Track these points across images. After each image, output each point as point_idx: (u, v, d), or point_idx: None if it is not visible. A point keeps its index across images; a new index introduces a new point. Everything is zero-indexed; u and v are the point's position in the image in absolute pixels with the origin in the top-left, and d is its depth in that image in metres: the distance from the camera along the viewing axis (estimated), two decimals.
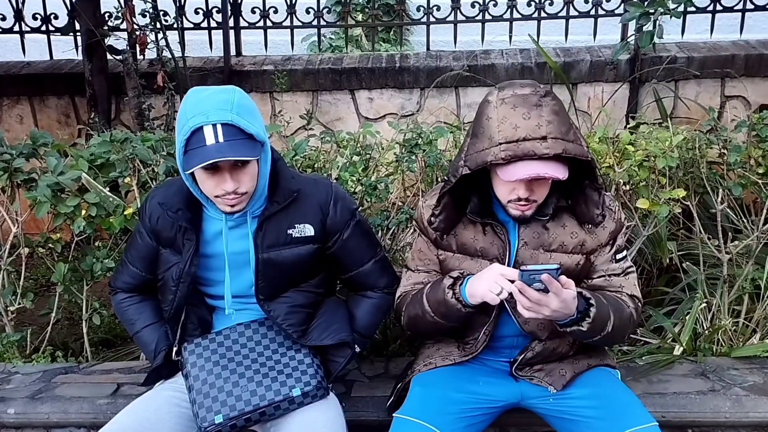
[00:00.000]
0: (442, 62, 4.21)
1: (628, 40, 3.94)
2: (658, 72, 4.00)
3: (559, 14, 4.27)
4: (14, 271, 2.74)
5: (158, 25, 3.93)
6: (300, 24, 4.41)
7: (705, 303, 2.68)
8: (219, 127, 1.76)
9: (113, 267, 2.56)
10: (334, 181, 2.52)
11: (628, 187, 2.76)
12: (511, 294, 1.71)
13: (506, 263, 1.89)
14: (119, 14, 3.99)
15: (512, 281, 1.71)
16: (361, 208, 2.48)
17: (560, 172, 1.72)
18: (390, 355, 2.64)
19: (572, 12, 4.26)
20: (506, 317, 1.94)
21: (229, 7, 4.28)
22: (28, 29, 4.39)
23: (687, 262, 2.93)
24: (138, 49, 3.92)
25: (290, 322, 2.02)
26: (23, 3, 4.34)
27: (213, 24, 4.38)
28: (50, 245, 2.72)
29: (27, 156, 2.62)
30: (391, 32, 5.00)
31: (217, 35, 4.35)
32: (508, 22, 4.29)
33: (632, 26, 3.60)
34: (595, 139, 2.73)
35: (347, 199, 2.09)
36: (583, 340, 1.90)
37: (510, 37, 4.32)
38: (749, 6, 4.18)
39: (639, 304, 1.96)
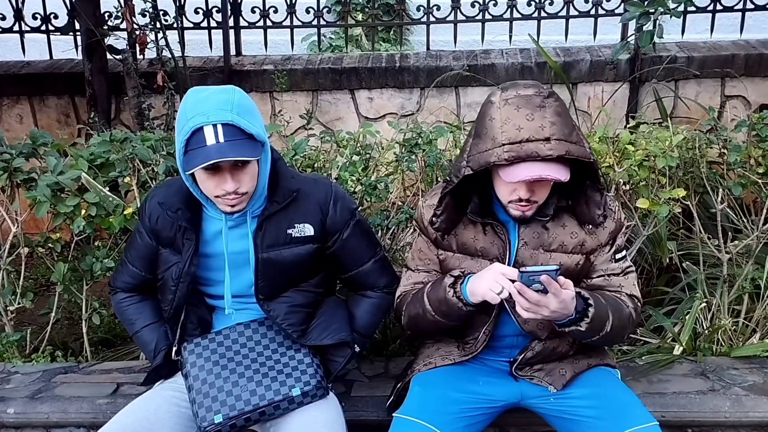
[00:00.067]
0: (442, 62, 4.21)
1: (628, 39, 3.93)
2: (658, 72, 4.00)
3: (559, 14, 4.27)
4: (14, 270, 2.74)
5: (158, 25, 3.93)
6: (300, 24, 4.41)
7: (705, 303, 2.68)
8: (219, 127, 1.76)
9: (113, 267, 2.56)
10: (334, 180, 2.52)
11: (627, 187, 2.76)
12: (511, 294, 1.72)
13: (506, 263, 1.89)
14: (119, 14, 4.00)
15: (513, 281, 1.71)
16: (360, 207, 2.48)
17: (562, 174, 1.72)
18: (390, 355, 2.64)
19: (572, 12, 4.26)
20: (506, 317, 1.94)
21: (228, 7, 4.28)
22: (28, 29, 4.39)
23: (687, 262, 2.93)
24: (138, 48, 3.92)
25: (290, 322, 2.02)
26: (23, 2, 4.33)
27: (213, 24, 4.38)
28: (50, 245, 2.72)
29: (27, 156, 2.62)
30: (391, 32, 4.99)
31: (217, 35, 4.35)
32: (508, 22, 4.29)
33: (632, 26, 3.60)
34: (595, 138, 2.73)
35: (347, 198, 2.09)
36: (582, 340, 1.90)
37: (510, 36, 4.31)
38: (749, 6, 4.17)
39: (638, 303, 1.96)
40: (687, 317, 2.63)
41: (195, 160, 1.76)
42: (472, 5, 4.29)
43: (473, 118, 1.84)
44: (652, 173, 2.67)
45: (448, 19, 4.31)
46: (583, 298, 1.79)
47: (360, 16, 4.96)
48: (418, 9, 4.60)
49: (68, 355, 2.84)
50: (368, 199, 2.66)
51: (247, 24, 4.41)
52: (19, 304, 2.71)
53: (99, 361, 2.76)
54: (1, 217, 2.69)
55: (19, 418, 2.34)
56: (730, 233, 2.89)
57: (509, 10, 4.27)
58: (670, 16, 3.17)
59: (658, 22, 3.16)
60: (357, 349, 2.08)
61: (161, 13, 4.00)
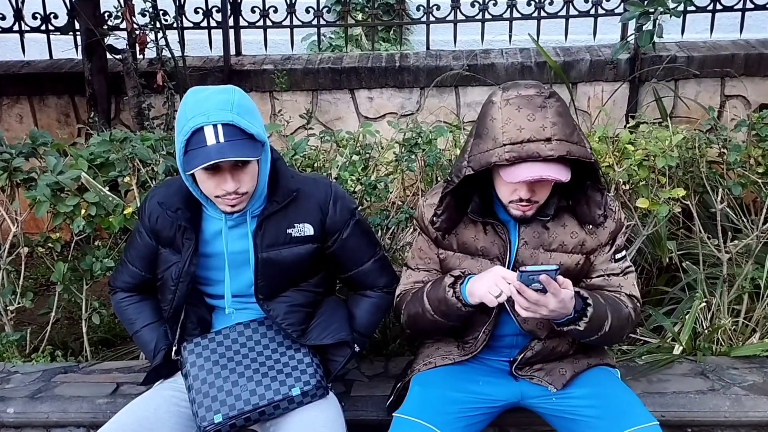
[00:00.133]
0: (442, 62, 4.21)
1: (628, 39, 3.93)
2: (658, 71, 4.00)
3: (559, 14, 4.27)
4: (14, 270, 2.74)
5: (158, 25, 3.93)
6: (300, 23, 4.40)
7: (705, 302, 2.68)
8: (219, 127, 1.76)
9: (113, 266, 2.56)
10: (334, 180, 2.52)
11: (627, 187, 2.76)
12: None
13: (506, 262, 1.89)
14: (119, 14, 3.99)
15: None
16: (360, 207, 2.48)
17: (563, 174, 1.72)
18: (389, 355, 2.64)
19: (572, 11, 4.26)
20: (506, 316, 1.94)
21: (228, 7, 4.28)
22: (28, 29, 4.39)
23: (687, 262, 2.93)
24: (138, 48, 3.92)
25: (290, 322, 2.02)
26: (23, 2, 4.33)
27: (213, 23, 4.38)
28: (50, 245, 2.72)
29: (26, 155, 2.62)
30: (391, 32, 4.99)
31: (217, 35, 4.35)
32: (508, 22, 4.29)
33: (632, 25, 3.60)
34: (595, 138, 2.73)
35: (347, 198, 2.09)
36: (580, 340, 1.90)
37: (510, 36, 4.31)
38: (749, 5, 4.17)
39: (638, 303, 1.96)
40: (687, 317, 2.63)
41: (195, 160, 1.76)
42: (472, 5, 4.29)
43: (473, 117, 1.85)
44: (652, 173, 2.67)
45: (447, 18, 4.31)
46: (582, 298, 1.79)
47: (360, 16, 4.96)
48: (417, 9, 4.60)
49: (68, 355, 2.84)
50: (368, 199, 2.66)
51: (247, 24, 4.41)
52: (19, 303, 2.71)
53: (99, 360, 2.76)
54: (1, 217, 2.69)
55: (19, 417, 2.34)
56: (729, 233, 2.89)
57: (509, 9, 4.27)
58: (670, 16, 3.17)
59: (657, 21, 3.16)
60: (357, 348, 2.08)
61: (161, 12, 4.00)
